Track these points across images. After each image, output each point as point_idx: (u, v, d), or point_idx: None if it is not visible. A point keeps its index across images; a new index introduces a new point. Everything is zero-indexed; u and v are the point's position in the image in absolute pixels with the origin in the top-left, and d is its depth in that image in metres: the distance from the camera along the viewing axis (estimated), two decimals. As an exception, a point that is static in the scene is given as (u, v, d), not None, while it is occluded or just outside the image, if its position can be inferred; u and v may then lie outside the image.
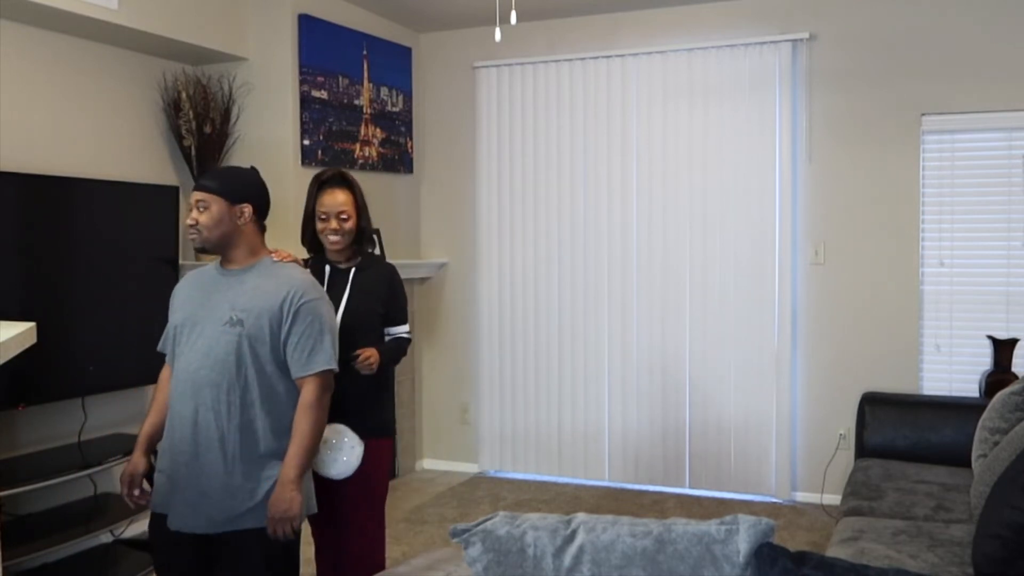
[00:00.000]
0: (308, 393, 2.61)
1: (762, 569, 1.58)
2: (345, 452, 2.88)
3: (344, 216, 3.10)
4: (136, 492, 2.73)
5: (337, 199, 3.11)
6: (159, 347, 2.82)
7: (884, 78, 5.01)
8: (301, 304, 2.61)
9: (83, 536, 3.78)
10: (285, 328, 2.60)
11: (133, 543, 4.18)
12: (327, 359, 2.64)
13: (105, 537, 4.18)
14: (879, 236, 5.06)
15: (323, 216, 3.11)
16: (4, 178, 3.69)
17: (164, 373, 2.80)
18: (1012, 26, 4.79)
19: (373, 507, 3.17)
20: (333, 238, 3.10)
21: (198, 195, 2.64)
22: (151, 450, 2.78)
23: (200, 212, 2.62)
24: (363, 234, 3.19)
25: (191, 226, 2.63)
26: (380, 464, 3.14)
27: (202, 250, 2.69)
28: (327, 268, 3.14)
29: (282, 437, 2.62)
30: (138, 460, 2.73)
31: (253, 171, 2.77)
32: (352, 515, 3.12)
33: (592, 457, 5.63)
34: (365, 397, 3.09)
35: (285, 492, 2.55)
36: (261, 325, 2.58)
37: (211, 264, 2.77)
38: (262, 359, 2.59)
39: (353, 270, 3.14)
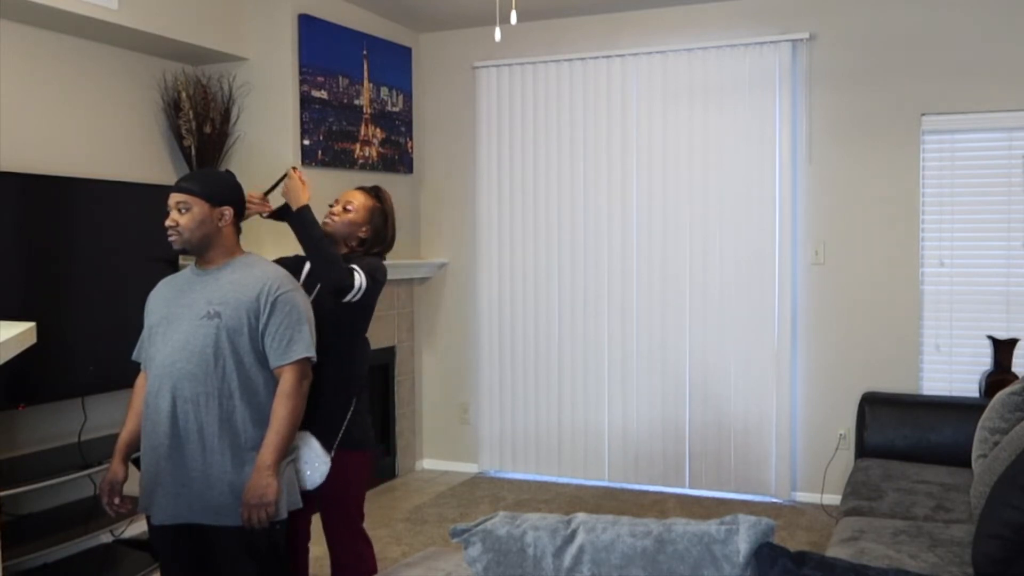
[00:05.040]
0: (286, 381, 2.64)
1: (762, 569, 1.58)
2: (309, 466, 2.85)
3: (349, 207, 3.13)
4: (116, 500, 2.74)
5: (354, 194, 3.18)
6: (134, 356, 2.83)
7: (884, 78, 5.01)
8: (278, 295, 2.65)
9: (83, 536, 3.78)
10: (263, 319, 2.63)
11: (133, 543, 4.18)
12: (306, 347, 2.67)
13: (105, 537, 4.18)
14: (879, 236, 5.06)
15: (333, 202, 3.16)
16: (4, 178, 3.69)
17: (140, 380, 2.82)
18: (1012, 26, 4.79)
19: (347, 519, 3.13)
20: (327, 220, 3.13)
21: (179, 197, 2.66)
22: (129, 458, 2.78)
23: (181, 214, 2.65)
24: (365, 243, 3.17)
25: (171, 227, 2.65)
26: (352, 477, 3.09)
27: (182, 251, 2.71)
28: (299, 261, 3.14)
29: (262, 428, 2.63)
30: (117, 468, 2.74)
31: (230, 174, 2.82)
32: (327, 528, 3.12)
33: (592, 457, 5.63)
34: (335, 410, 3.03)
35: (261, 478, 2.56)
36: (239, 317, 2.61)
37: (187, 268, 2.79)
38: (240, 351, 2.62)
39: None
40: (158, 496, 2.65)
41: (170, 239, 2.67)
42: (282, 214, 3.07)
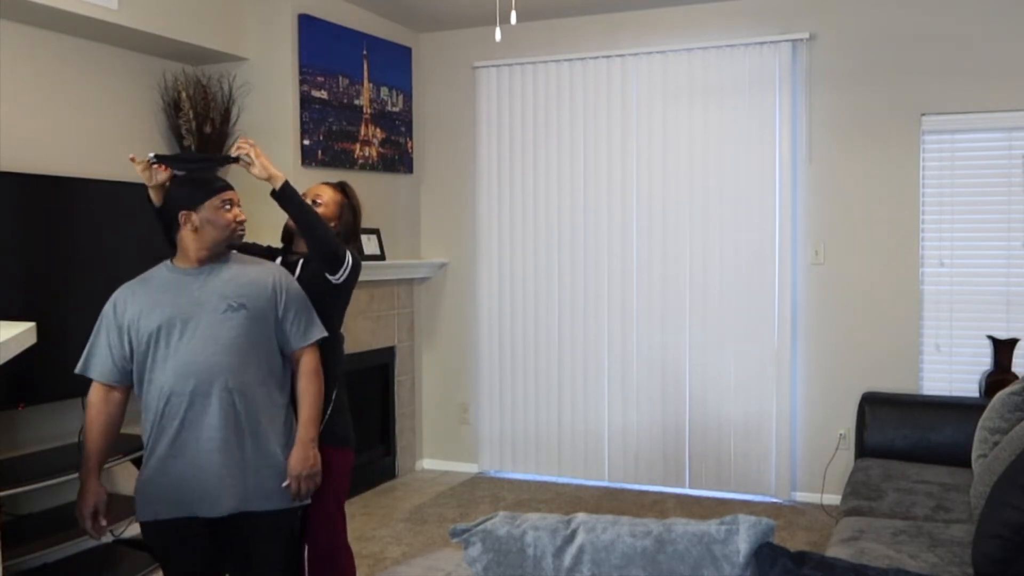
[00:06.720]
0: (310, 361, 2.80)
1: (762, 569, 1.58)
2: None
3: (319, 202, 3.09)
4: (103, 522, 2.73)
5: (321, 189, 3.18)
6: (79, 369, 2.72)
7: (884, 78, 5.01)
8: (287, 284, 2.81)
9: (83, 536, 3.77)
10: (281, 308, 2.76)
11: (133, 543, 4.17)
12: (319, 329, 2.84)
13: (105, 537, 4.18)
14: (879, 236, 5.06)
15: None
16: (4, 178, 3.69)
17: (95, 396, 2.71)
18: (1012, 26, 4.80)
19: (328, 524, 3.02)
20: None
21: (236, 196, 2.78)
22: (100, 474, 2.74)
23: (240, 210, 2.78)
24: (338, 235, 3.11)
25: (242, 223, 2.75)
26: (334, 475, 2.99)
27: (236, 247, 2.80)
28: (278, 259, 3.10)
29: (289, 410, 2.79)
30: (98, 489, 2.71)
31: None
32: (304, 536, 3.04)
33: (592, 457, 5.63)
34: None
35: (307, 451, 2.72)
36: (262, 307, 2.72)
37: (161, 268, 2.76)
38: (267, 339, 2.73)
39: (300, 262, 3.07)
40: (211, 489, 2.61)
41: (240, 234, 2.76)
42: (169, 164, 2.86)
